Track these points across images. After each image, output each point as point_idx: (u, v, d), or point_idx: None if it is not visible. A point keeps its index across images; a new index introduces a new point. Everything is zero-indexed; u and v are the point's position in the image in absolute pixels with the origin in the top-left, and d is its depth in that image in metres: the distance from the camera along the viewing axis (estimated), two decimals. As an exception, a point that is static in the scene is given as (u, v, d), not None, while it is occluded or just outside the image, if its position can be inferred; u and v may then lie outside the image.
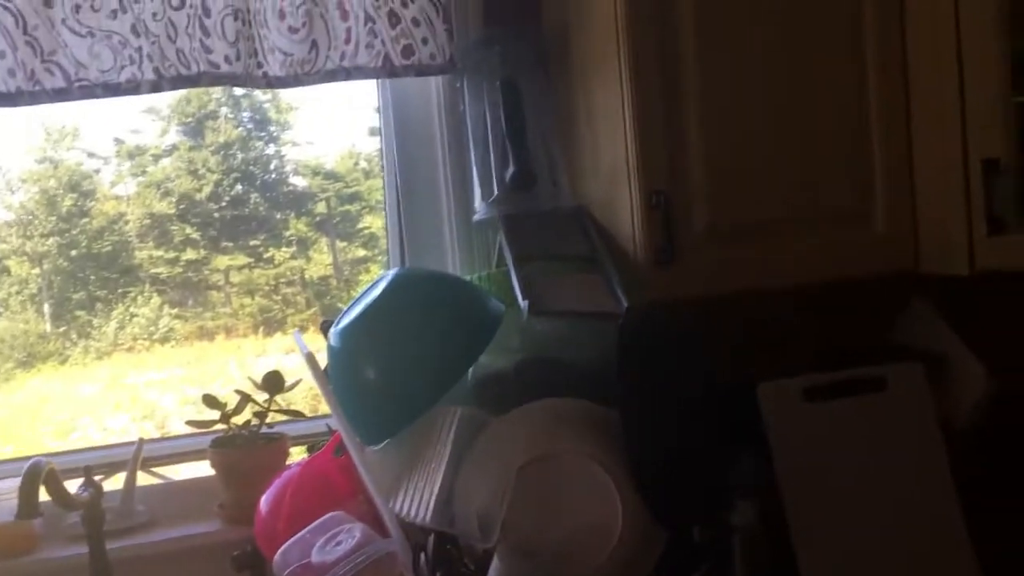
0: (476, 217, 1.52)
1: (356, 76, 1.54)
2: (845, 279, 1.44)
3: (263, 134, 1.89)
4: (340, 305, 1.90)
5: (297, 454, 1.62)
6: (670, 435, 1.21)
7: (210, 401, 1.56)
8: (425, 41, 1.56)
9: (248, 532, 1.46)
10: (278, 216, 1.82)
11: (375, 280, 1.33)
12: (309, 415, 1.65)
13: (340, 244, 1.91)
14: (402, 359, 1.22)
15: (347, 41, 1.53)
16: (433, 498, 1.15)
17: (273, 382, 1.55)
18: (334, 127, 1.83)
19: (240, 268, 1.82)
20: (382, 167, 1.71)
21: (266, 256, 1.83)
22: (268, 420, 1.57)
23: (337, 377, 1.28)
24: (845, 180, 1.42)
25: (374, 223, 1.88)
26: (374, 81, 1.66)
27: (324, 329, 1.36)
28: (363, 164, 1.91)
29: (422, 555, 1.20)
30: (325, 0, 1.51)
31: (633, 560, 1.20)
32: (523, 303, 1.25)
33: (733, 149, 1.37)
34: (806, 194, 1.41)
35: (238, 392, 1.57)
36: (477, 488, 1.18)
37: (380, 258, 1.84)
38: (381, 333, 1.24)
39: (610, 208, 1.44)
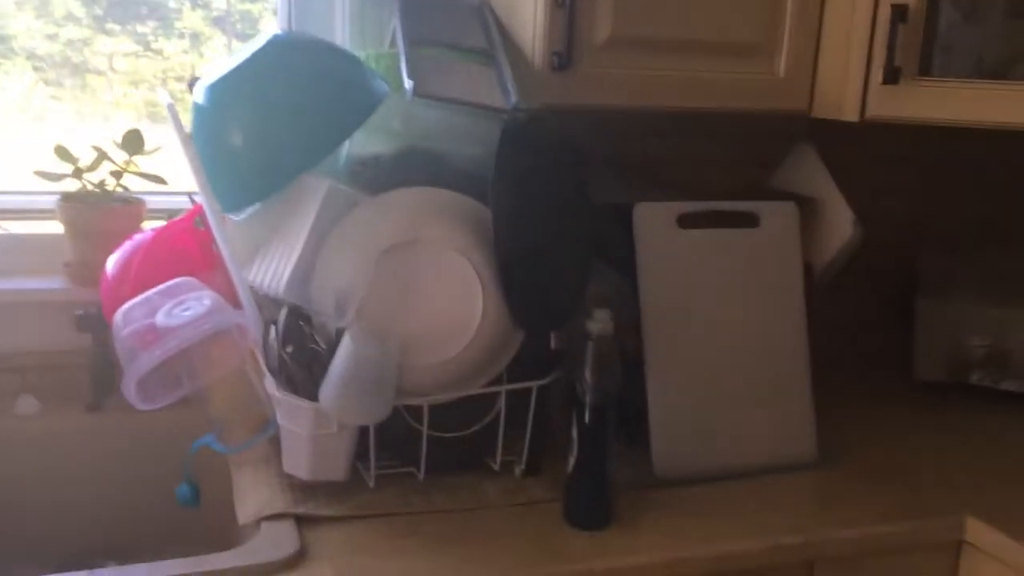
0: (370, -8, 1.43)
1: None
2: (737, 111, 1.43)
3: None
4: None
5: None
6: (540, 239, 1.19)
7: (62, 153, 1.45)
8: None
9: (95, 293, 1.40)
10: (171, 4, 1.66)
11: (253, 40, 1.23)
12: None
13: (236, 44, 1.77)
14: (272, 122, 1.14)
15: None
16: (289, 270, 1.10)
17: (132, 141, 1.46)
18: None
19: (126, 55, 1.67)
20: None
21: (155, 46, 1.68)
22: (128, 185, 1.48)
23: (201, 137, 1.19)
24: (754, 13, 1.38)
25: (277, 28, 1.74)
26: None
27: (191, 86, 1.26)
28: None
29: (272, 329, 1.17)
30: None
31: (486, 359, 1.19)
32: (408, 83, 1.19)
33: (647, -43, 1.31)
34: (713, 20, 1.36)
35: (94, 148, 1.47)
36: (338, 266, 1.14)
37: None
38: (253, 92, 1.15)
39: (513, 5, 1.37)
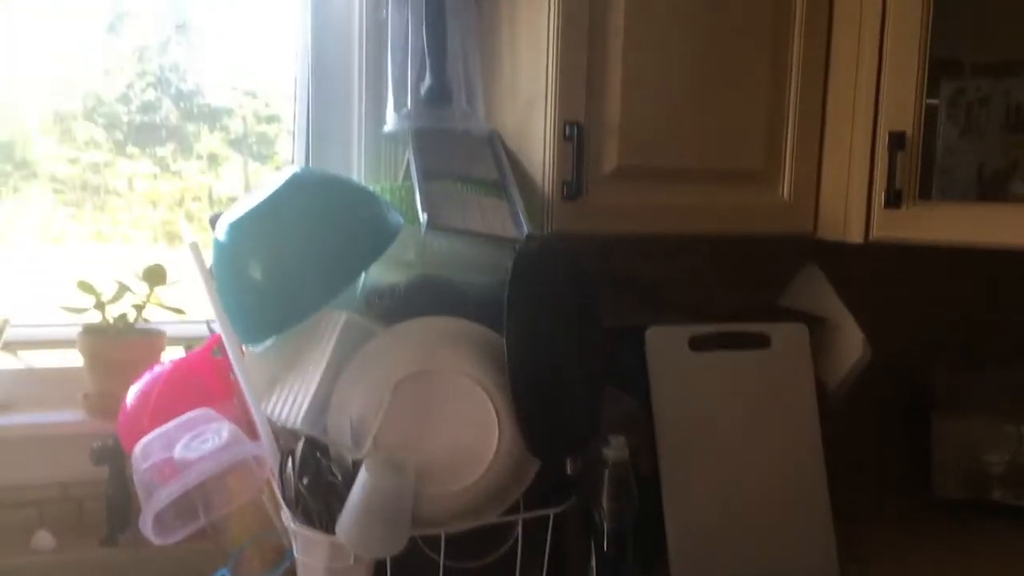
0: (386, 128, 1.48)
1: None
2: (744, 236, 1.46)
3: (183, 40, 1.78)
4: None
5: (173, 354, 1.56)
6: (554, 367, 1.20)
7: (84, 287, 1.49)
8: (353, -62, 1.50)
9: (112, 425, 1.41)
10: (190, 127, 1.73)
11: (272, 177, 1.28)
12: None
13: (253, 165, 1.84)
14: (292, 258, 1.18)
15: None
16: (307, 402, 1.12)
17: (154, 275, 1.49)
18: (261, 44, 1.73)
19: (144, 177, 1.73)
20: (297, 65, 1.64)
21: (173, 168, 1.75)
22: (147, 316, 1.51)
23: (222, 272, 1.23)
24: (756, 141, 1.43)
25: (291, 147, 1.81)
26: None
27: (212, 222, 1.30)
28: (287, 87, 1.83)
29: (289, 461, 1.17)
30: None
31: (502, 487, 1.19)
32: (423, 216, 1.22)
33: (651, 92, 1.36)
34: (717, 149, 1.41)
35: (116, 282, 1.50)
36: (354, 397, 1.16)
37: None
38: (273, 229, 1.19)
39: (523, 136, 1.42)
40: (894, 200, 1.36)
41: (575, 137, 1.32)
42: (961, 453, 1.61)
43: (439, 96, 1.40)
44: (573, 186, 1.32)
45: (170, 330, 1.55)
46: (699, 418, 1.35)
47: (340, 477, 1.16)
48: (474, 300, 1.30)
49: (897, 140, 1.35)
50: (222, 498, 1.27)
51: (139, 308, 1.50)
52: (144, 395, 1.36)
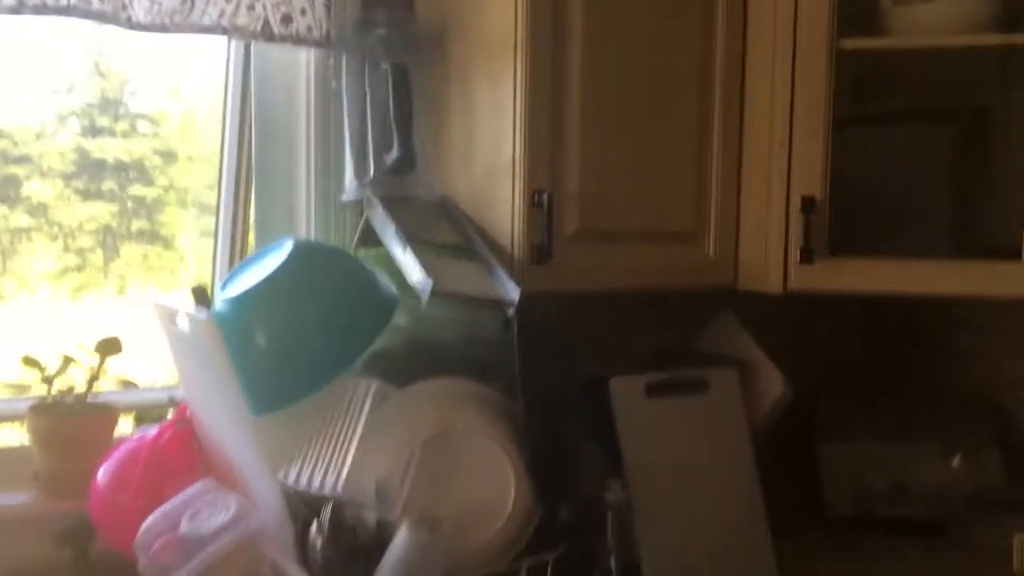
0: (346, 196, 1.52)
1: (234, 35, 1.48)
2: (677, 289, 1.61)
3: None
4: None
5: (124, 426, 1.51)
6: (558, 419, 1.29)
7: (29, 361, 1.41)
8: (303, 12, 1.54)
9: (69, 505, 1.35)
10: None
11: (264, 248, 1.30)
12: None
13: (1, 210, 1.76)
14: (307, 332, 1.21)
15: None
16: (346, 469, 1.14)
17: (108, 346, 1.44)
18: (9, 80, 1.65)
19: None
20: (223, 136, 1.65)
21: None
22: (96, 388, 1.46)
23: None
24: (686, 206, 1.59)
25: (42, 190, 1.71)
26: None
27: (198, 295, 1.30)
28: (36, 124, 1.75)
29: (314, 526, 1.18)
30: (209, -48, 1.44)
31: (515, 536, 1.26)
32: (426, 283, 1.28)
33: (604, 162, 1.49)
34: (655, 213, 1.56)
35: (64, 356, 1.44)
36: (377, 459, 1.19)
37: (47, 228, 1.70)
38: (286, 304, 1.21)
39: (484, 203, 1.51)
40: (808, 257, 1.56)
41: (544, 204, 1.42)
42: (847, 475, 1.83)
43: (407, 166, 1.46)
44: (544, 250, 1.42)
45: (117, 399, 1.49)
46: (659, 457, 1.48)
47: (364, 539, 1.19)
48: (458, 358, 1.37)
49: (808, 204, 1.55)
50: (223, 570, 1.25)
51: (90, 382, 1.44)
52: (122, 474, 1.32)
